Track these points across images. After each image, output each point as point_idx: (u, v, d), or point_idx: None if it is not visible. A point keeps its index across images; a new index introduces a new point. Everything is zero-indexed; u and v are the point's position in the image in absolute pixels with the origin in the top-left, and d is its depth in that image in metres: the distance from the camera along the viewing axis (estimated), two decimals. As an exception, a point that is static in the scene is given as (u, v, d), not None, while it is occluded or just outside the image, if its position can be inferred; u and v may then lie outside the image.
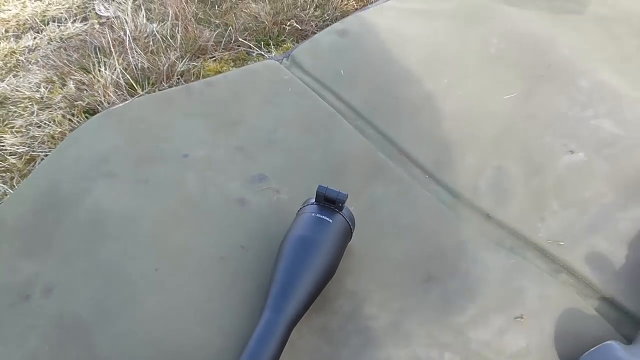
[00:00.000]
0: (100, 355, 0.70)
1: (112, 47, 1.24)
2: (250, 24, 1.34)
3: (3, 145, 1.09)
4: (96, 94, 1.12)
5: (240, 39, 1.29)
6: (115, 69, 1.17)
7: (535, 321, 0.70)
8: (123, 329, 0.72)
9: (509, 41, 1.11)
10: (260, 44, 1.30)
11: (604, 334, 0.69)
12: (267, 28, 1.31)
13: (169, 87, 1.16)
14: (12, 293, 0.80)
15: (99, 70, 1.17)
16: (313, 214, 0.72)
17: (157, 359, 0.69)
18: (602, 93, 1.00)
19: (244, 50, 1.28)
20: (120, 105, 1.04)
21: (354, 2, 1.38)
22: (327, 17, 1.34)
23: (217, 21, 1.38)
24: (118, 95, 1.12)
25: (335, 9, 1.35)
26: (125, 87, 1.14)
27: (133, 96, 1.13)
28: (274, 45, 1.30)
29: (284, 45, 1.29)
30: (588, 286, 0.74)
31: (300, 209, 0.76)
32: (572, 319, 0.71)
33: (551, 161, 0.89)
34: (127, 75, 1.16)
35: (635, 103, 0.98)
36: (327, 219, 0.71)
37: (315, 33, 1.29)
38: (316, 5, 1.38)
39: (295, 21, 1.32)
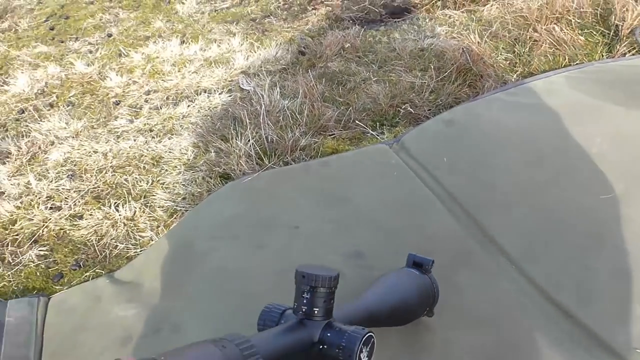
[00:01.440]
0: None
1: (248, 120, 1.44)
2: (369, 105, 1.48)
3: (154, 198, 1.32)
4: (231, 162, 1.32)
5: (357, 120, 1.44)
6: (249, 141, 1.36)
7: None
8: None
9: (612, 141, 1.14)
10: (376, 125, 1.44)
11: None
12: (383, 110, 1.45)
13: (292, 160, 1.32)
14: (148, 325, 0.98)
15: (236, 141, 1.37)
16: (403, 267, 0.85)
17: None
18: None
19: (360, 130, 1.42)
20: (249, 178, 1.22)
21: (467, 89, 1.47)
22: (441, 102, 1.44)
23: (341, 99, 1.55)
24: (248, 164, 1.30)
25: (449, 95, 1.45)
26: (255, 157, 1.32)
27: (261, 166, 1.31)
28: (387, 126, 1.42)
29: (397, 128, 1.40)
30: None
31: None
32: None
33: (640, 266, 0.90)
34: (257, 148, 1.34)
35: None
36: (415, 271, 0.83)
37: (427, 117, 1.40)
38: (431, 90, 1.50)
39: (410, 105, 1.44)
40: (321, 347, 0.59)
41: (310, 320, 0.60)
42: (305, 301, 0.60)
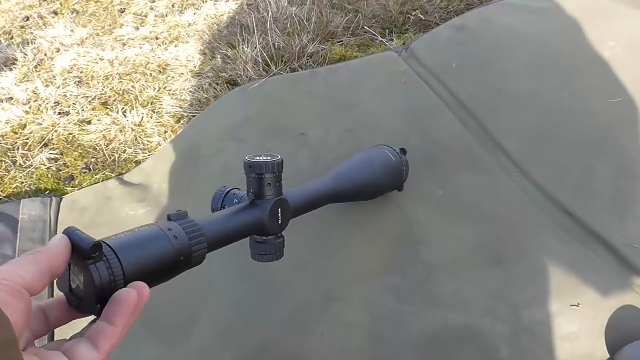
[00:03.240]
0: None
1: (255, 26, 1.41)
2: (378, 12, 1.44)
3: (162, 105, 1.32)
4: (237, 68, 1.31)
5: (366, 27, 1.40)
6: (255, 47, 1.34)
7: (591, 310, 0.75)
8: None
9: (625, 45, 1.11)
10: (385, 32, 1.40)
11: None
12: (393, 17, 1.41)
13: (299, 66, 1.30)
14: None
15: (242, 48, 1.35)
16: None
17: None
18: None
19: (369, 37, 1.39)
20: (256, 83, 1.21)
21: (480, -6, 1.42)
22: (452, 9, 1.39)
23: (350, 6, 1.50)
24: (255, 70, 1.29)
25: (461, 1, 1.41)
26: (262, 63, 1.30)
27: (267, 72, 1.29)
28: (396, 34, 1.39)
29: (406, 35, 1.37)
30: (654, 289, 0.77)
31: None
32: (628, 315, 0.75)
33: (643, 167, 0.90)
34: (264, 54, 1.32)
35: None
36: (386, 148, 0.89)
37: (438, 24, 1.36)
38: (443, -4, 1.45)
39: (420, 11, 1.40)
40: None
41: (261, 200, 0.64)
42: (255, 186, 0.64)
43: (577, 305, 0.76)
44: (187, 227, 0.51)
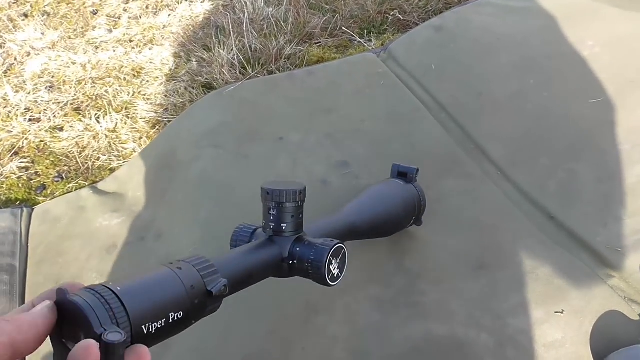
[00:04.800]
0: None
1: (231, 28, 1.39)
2: (356, 12, 1.42)
3: (136, 110, 1.28)
4: (213, 72, 1.28)
5: (344, 28, 1.38)
6: (232, 49, 1.31)
7: (575, 317, 0.74)
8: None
9: (604, 45, 1.11)
10: (363, 32, 1.38)
11: (642, 340, 0.72)
12: (371, 17, 1.39)
13: (277, 69, 1.28)
14: (132, 233, 0.98)
15: (218, 51, 1.32)
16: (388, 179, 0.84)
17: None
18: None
19: (347, 38, 1.37)
20: (232, 87, 1.18)
21: (458, -7, 1.41)
22: (431, 9, 1.38)
23: (327, 7, 1.48)
24: (231, 74, 1.26)
25: (440, 1, 1.39)
26: (238, 66, 1.28)
27: (244, 75, 1.26)
28: (375, 34, 1.37)
29: (385, 35, 1.35)
30: (638, 293, 0.76)
31: None
32: (613, 321, 0.74)
33: (625, 170, 0.90)
34: (241, 57, 1.29)
35: None
36: (399, 181, 0.82)
37: (417, 24, 1.35)
38: (422, -4, 1.44)
39: (399, 11, 1.38)
40: (291, 262, 0.58)
41: (279, 237, 0.58)
42: (272, 218, 0.58)
43: (562, 312, 0.75)
44: (198, 263, 0.46)
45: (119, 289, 0.36)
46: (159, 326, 0.38)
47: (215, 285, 0.44)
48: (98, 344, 0.31)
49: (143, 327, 0.37)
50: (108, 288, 0.36)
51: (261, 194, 0.58)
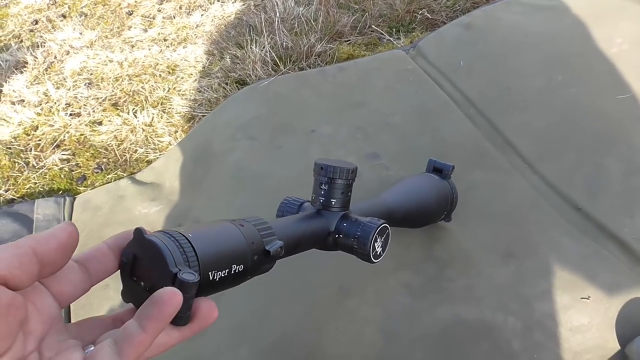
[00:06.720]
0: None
1: (263, 27, 1.43)
2: (385, 11, 1.45)
3: (172, 105, 1.33)
4: (246, 68, 1.32)
5: (373, 26, 1.41)
6: (264, 47, 1.35)
7: (601, 303, 0.76)
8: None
9: (633, 42, 1.12)
10: (392, 31, 1.41)
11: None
12: (399, 16, 1.42)
13: (307, 65, 1.32)
14: (170, 221, 1.02)
15: (251, 48, 1.36)
16: (423, 172, 0.86)
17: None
18: None
19: (376, 36, 1.40)
20: (266, 81, 1.22)
21: (486, -7, 1.43)
22: (459, 8, 1.40)
23: (356, 6, 1.51)
24: (264, 70, 1.30)
25: (467, 0, 1.42)
26: (270, 63, 1.32)
27: (276, 72, 1.30)
28: (403, 32, 1.40)
29: (413, 34, 1.37)
30: (664, 283, 0.78)
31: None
32: (639, 308, 0.75)
33: (653, 164, 0.91)
34: (273, 53, 1.33)
35: None
36: (435, 176, 0.84)
37: (445, 23, 1.37)
38: (450, -5, 1.46)
39: (427, 10, 1.41)
40: (337, 236, 0.60)
41: (328, 211, 0.60)
42: (323, 192, 0.60)
43: (588, 299, 0.77)
44: (258, 223, 0.48)
45: (190, 235, 0.39)
46: (222, 275, 0.40)
47: (273, 246, 0.47)
48: (181, 292, 0.34)
49: (210, 273, 0.39)
50: (181, 234, 0.39)
51: (314, 168, 0.60)
